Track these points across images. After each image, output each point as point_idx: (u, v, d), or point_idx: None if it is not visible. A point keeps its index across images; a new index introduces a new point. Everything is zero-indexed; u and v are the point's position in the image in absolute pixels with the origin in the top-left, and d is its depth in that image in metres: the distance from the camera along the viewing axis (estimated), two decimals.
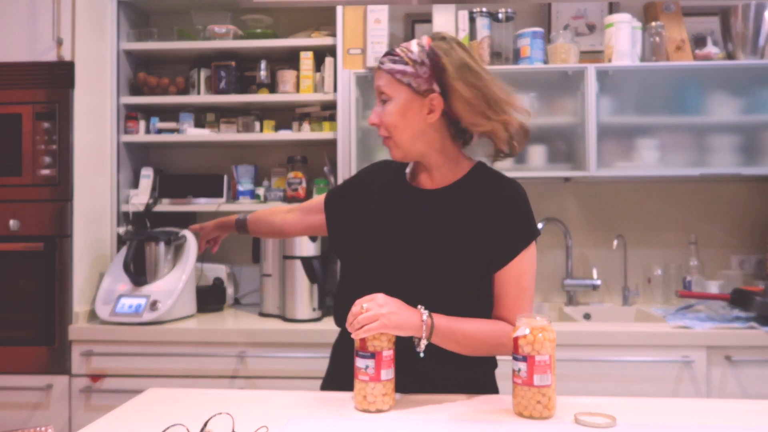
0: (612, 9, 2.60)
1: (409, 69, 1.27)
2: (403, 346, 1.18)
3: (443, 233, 1.29)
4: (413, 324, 1.17)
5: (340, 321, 1.40)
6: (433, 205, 1.32)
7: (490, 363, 1.37)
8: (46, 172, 2.18)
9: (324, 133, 2.48)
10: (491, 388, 1.36)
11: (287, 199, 2.51)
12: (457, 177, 1.34)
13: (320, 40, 2.48)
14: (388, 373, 1.15)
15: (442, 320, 1.20)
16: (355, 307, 1.17)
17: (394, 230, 1.31)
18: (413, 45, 1.30)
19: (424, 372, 1.25)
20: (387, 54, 1.32)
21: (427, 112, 1.28)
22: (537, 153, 2.34)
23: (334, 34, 2.44)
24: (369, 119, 1.33)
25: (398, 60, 1.29)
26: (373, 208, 1.37)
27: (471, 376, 1.32)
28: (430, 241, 1.29)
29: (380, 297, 1.18)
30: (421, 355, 1.19)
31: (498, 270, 1.29)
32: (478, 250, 1.27)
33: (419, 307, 1.20)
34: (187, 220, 2.65)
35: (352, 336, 1.16)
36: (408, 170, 1.40)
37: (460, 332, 1.23)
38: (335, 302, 1.45)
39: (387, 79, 1.30)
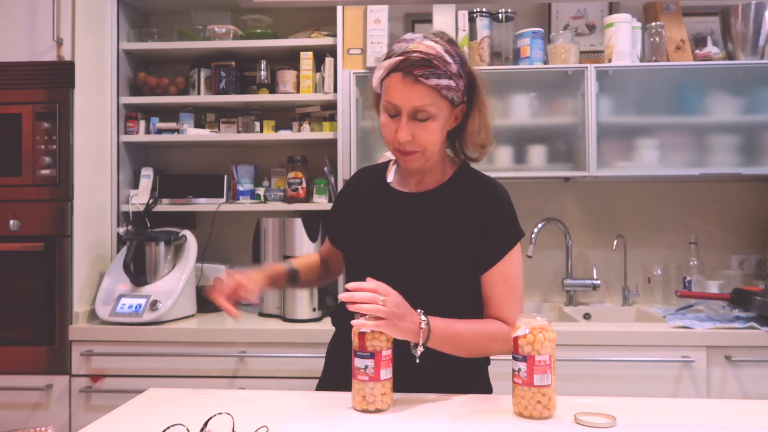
0: (612, 9, 2.60)
1: (452, 84, 1.21)
2: (399, 345, 1.18)
3: (432, 237, 1.30)
4: (413, 331, 1.17)
5: (337, 321, 1.42)
6: (421, 209, 1.33)
7: (483, 360, 1.38)
8: (46, 172, 2.18)
9: (324, 133, 2.48)
10: (485, 386, 1.38)
11: (287, 199, 2.50)
12: (444, 179, 1.35)
13: (320, 40, 2.48)
14: (387, 373, 1.15)
15: (438, 324, 1.20)
16: (370, 289, 1.14)
17: (384, 236, 1.32)
18: (445, 56, 1.21)
19: (419, 371, 1.26)
20: (424, 64, 1.18)
21: (452, 121, 1.29)
22: (537, 153, 2.34)
23: (334, 34, 2.44)
24: (399, 136, 1.22)
25: (441, 74, 1.20)
26: (362, 217, 1.37)
27: (465, 374, 1.32)
28: (420, 245, 1.29)
29: (399, 298, 1.16)
30: (417, 360, 1.18)
31: (486, 271, 1.30)
32: (466, 252, 1.29)
33: (419, 311, 1.20)
34: (187, 220, 2.65)
35: (353, 308, 1.13)
36: (391, 175, 1.39)
37: (455, 335, 1.23)
38: (338, 306, 1.44)
39: (432, 95, 1.20)
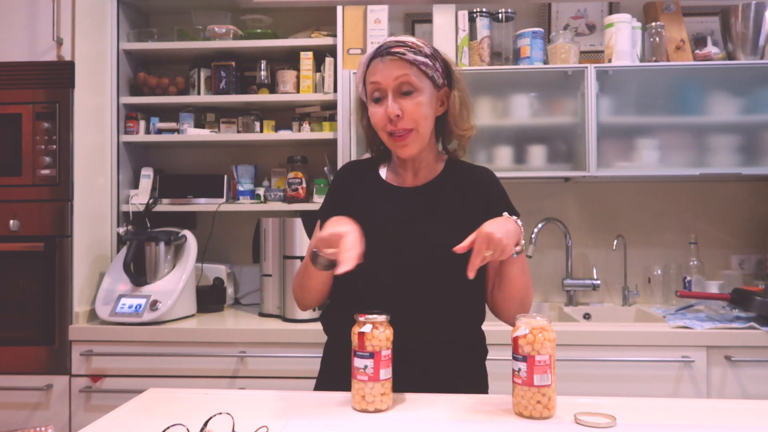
0: (612, 9, 2.60)
1: (429, 62, 1.30)
2: (399, 337, 1.18)
3: (436, 227, 1.32)
4: (517, 234, 1.23)
5: (329, 329, 1.41)
6: (421, 202, 1.35)
7: (480, 351, 1.40)
8: (46, 172, 2.18)
9: (324, 133, 2.48)
10: (482, 375, 1.41)
11: (287, 199, 2.50)
12: (437, 172, 1.39)
13: (320, 40, 2.48)
14: (386, 373, 1.15)
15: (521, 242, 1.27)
16: (469, 245, 1.17)
17: (389, 231, 1.33)
18: (417, 41, 1.32)
19: (417, 360, 1.27)
20: (399, 45, 1.29)
21: (439, 105, 1.34)
22: (537, 153, 2.34)
23: (334, 34, 2.44)
24: (389, 111, 1.27)
25: (417, 52, 1.29)
26: (362, 213, 1.36)
27: (464, 361, 1.35)
28: (425, 236, 1.31)
29: (491, 230, 1.16)
30: (515, 255, 1.23)
31: None
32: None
33: (504, 213, 1.25)
34: (187, 220, 2.65)
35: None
36: (384, 172, 1.42)
37: (525, 262, 1.31)
38: (328, 309, 1.43)
39: (412, 69, 1.28)
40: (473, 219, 1.32)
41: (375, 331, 1.14)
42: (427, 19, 2.50)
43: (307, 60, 2.48)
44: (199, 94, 2.58)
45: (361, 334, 1.15)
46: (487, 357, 1.42)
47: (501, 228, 1.17)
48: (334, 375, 1.33)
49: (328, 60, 2.46)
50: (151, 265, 2.30)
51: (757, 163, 2.27)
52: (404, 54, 1.27)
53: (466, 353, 1.35)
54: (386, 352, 1.15)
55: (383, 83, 1.28)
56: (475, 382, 1.37)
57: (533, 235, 2.47)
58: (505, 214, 1.25)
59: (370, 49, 2.33)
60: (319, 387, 1.42)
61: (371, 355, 1.14)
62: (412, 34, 2.66)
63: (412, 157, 1.34)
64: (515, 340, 1.12)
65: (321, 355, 1.47)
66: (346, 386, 1.19)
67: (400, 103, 1.27)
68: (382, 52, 1.29)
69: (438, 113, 1.35)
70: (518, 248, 1.24)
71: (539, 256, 2.58)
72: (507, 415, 1.13)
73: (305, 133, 2.51)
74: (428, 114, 1.31)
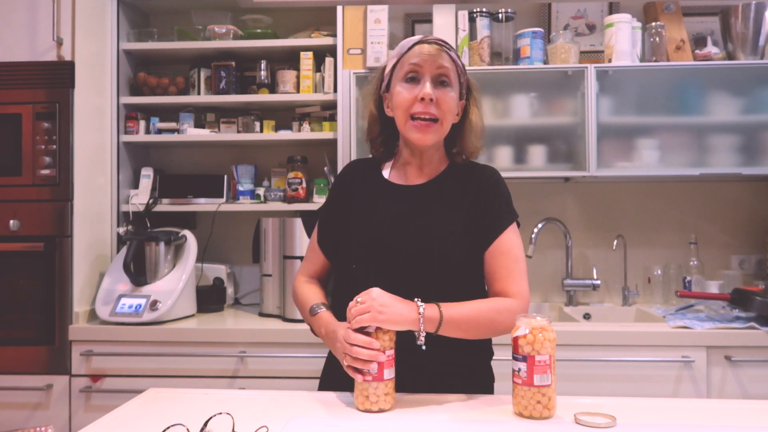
0: (612, 9, 2.60)
1: (462, 70, 1.36)
2: (402, 337, 1.19)
3: (435, 223, 1.32)
4: (408, 318, 1.17)
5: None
6: (422, 199, 1.36)
7: (487, 353, 1.40)
8: (46, 172, 2.18)
9: (324, 133, 2.48)
10: (488, 376, 1.40)
11: (287, 199, 2.50)
12: (440, 171, 1.40)
13: (320, 40, 2.48)
14: (390, 373, 1.15)
15: (441, 310, 1.20)
16: (351, 302, 1.19)
17: (388, 229, 1.33)
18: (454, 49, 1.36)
19: (421, 362, 1.27)
20: (443, 41, 1.33)
21: (456, 114, 1.36)
22: (537, 153, 2.34)
23: (334, 34, 2.44)
24: (425, 92, 1.27)
25: (458, 57, 1.35)
26: (361, 213, 1.38)
27: (468, 363, 1.34)
28: (424, 232, 1.31)
29: (375, 291, 1.19)
30: (423, 347, 1.18)
31: (488, 246, 1.31)
32: (468, 234, 1.31)
33: (416, 300, 1.20)
34: (187, 220, 2.65)
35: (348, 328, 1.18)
36: (387, 172, 1.42)
37: (459, 317, 1.22)
38: (330, 308, 1.44)
39: (453, 67, 1.32)
40: (471, 212, 1.33)
41: (378, 331, 1.15)
42: (427, 19, 2.50)
43: (307, 60, 2.48)
44: (199, 94, 2.58)
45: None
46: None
47: (392, 300, 1.17)
48: (337, 374, 1.33)
49: (328, 60, 2.46)
50: (151, 265, 2.30)
51: (757, 163, 2.27)
52: (450, 50, 1.32)
53: (468, 354, 1.34)
54: (389, 352, 1.15)
55: (425, 66, 1.30)
56: (478, 384, 1.36)
57: (533, 235, 2.47)
58: (418, 300, 1.20)
59: (369, 48, 2.35)
60: (322, 386, 1.42)
61: None
62: (412, 34, 2.66)
63: (426, 147, 1.34)
64: (515, 340, 1.12)
65: (320, 355, 1.47)
66: (349, 386, 1.20)
67: (434, 90, 1.29)
68: (430, 40, 1.33)
69: (454, 121, 1.36)
70: (420, 341, 1.18)
71: (539, 256, 2.58)
72: (507, 415, 1.14)
73: (305, 133, 2.51)
74: (454, 111, 1.34)
